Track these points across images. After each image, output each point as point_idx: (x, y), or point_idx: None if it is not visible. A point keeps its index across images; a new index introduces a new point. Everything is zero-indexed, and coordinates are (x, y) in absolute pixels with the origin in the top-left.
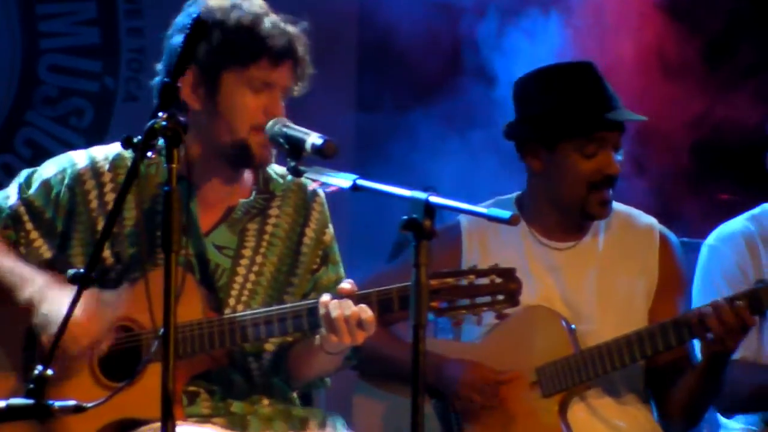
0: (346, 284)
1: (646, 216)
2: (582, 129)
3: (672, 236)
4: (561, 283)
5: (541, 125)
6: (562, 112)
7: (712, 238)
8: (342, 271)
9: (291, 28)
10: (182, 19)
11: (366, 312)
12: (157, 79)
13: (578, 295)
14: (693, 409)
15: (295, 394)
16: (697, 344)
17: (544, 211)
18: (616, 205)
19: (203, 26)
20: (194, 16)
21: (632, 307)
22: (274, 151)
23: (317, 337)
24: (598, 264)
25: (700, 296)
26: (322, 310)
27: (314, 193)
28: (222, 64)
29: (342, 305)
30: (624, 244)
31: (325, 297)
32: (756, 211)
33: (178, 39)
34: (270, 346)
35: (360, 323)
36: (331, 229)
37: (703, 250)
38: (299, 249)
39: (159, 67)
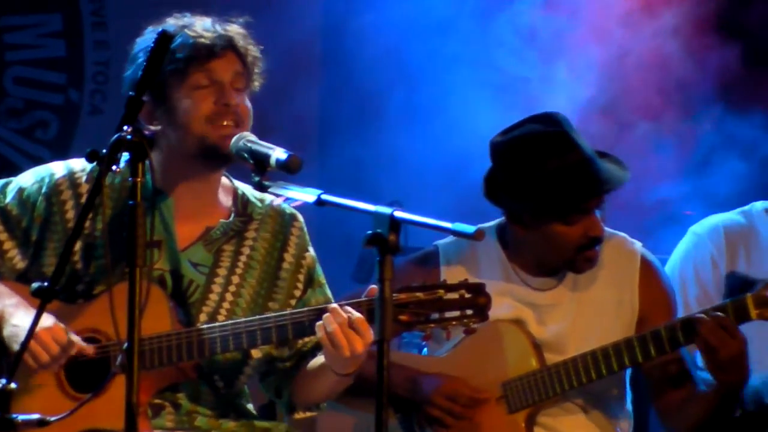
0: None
1: (629, 240)
2: (565, 208)
3: (654, 261)
4: (540, 319)
5: (521, 203)
6: (541, 195)
7: (697, 225)
8: (328, 291)
9: (222, 25)
10: (141, 44)
11: (354, 314)
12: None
13: (555, 329)
14: (703, 426)
15: (251, 407)
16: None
17: (526, 256)
18: (606, 232)
19: (167, 40)
20: (159, 31)
21: (610, 337)
22: (235, 140)
23: (322, 358)
24: (579, 299)
25: (669, 274)
26: (319, 333)
27: (293, 217)
28: (165, 79)
29: (335, 317)
30: (607, 273)
31: (320, 323)
32: (746, 207)
33: (141, 59)
34: (240, 366)
35: (351, 324)
36: (311, 252)
37: (687, 234)
38: (278, 274)
39: (124, 82)
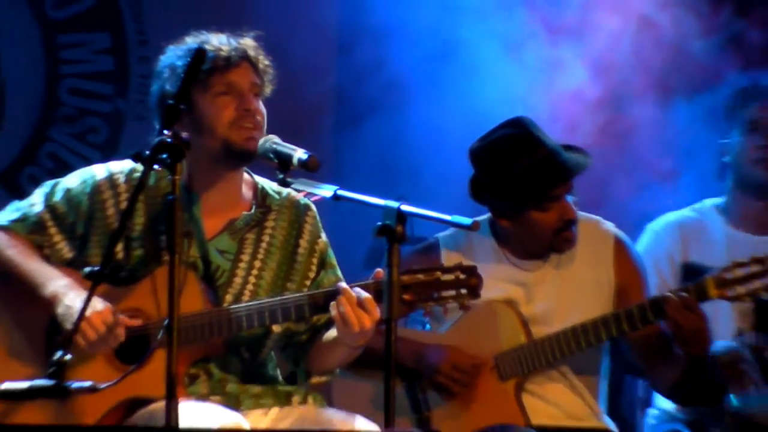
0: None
1: (603, 222)
2: (535, 198)
3: (626, 240)
4: (529, 296)
5: (501, 199)
6: (517, 190)
7: (655, 223)
8: (339, 273)
9: (236, 39)
10: (165, 61)
11: (363, 294)
12: (152, 103)
13: (543, 305)
14: (684, 386)
15: (280, 377)
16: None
17: (515, 244)
18: (581, 215)
19: (203, 55)
20: (192, 47)
21: (591, 311)
22: (261, 134)
23: (335, 332)
24: (562, 276)
25: None
26: (332, 312)
27: (307, 207)
28: (190, 88)
29: (346, 298)
30: (584, 253)
31: (333, 302)
32: (698, 205)
33: (160, 73)
34: (263, 339)
35: (360, 304)
36: (324, 238)
37: (646, 231)
38: (294, 258)
39: (151, 95)
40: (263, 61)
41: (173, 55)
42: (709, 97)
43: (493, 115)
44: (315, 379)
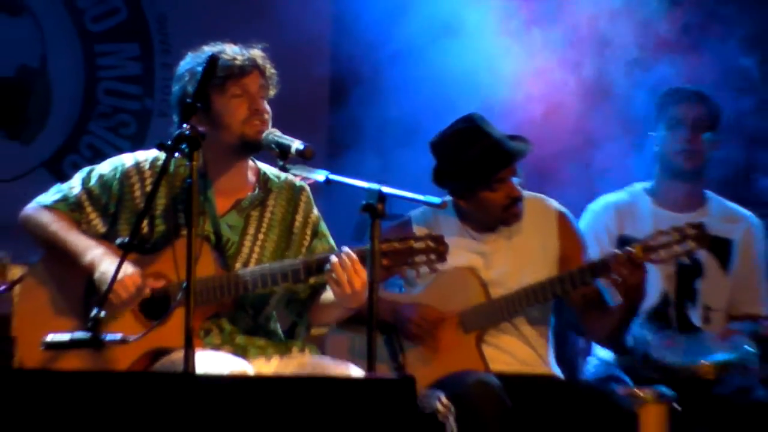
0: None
1: (547, 200)
2: (485, 180)
3: (567, 213)
4: (487, 263)
5: (458, 183)
6: (470, 174)
7: (594, 204)
8: (332, 241)
9: (248, 50)
10: (185, 66)
11: (352, 255)
12: (173, 101)
13: (499, 270)
14: (618, 334)
15: (281, 332)
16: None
17: (473, 220)
18: (527, 194)
19: (216, 61)
20: (208, 55)
21: (539, 274)
22: (268, 129)
23: (332, 294)
24: (513, 246)
25: None
26: (327, 277)
27: (301, 188)
28: (209, 92)
29: (340, 262)
30: (532, 225)
31: (328, 268)
32: (629, 187)
33: (181, 77)
34: (266, 299)
35: (350, 267)
36: (315, 212)
37: (587, 211)
38: (292, 230)
39: (172, 96)
40: (269, 69)
41: (192, 62)
42: None
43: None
44: (314, 331)
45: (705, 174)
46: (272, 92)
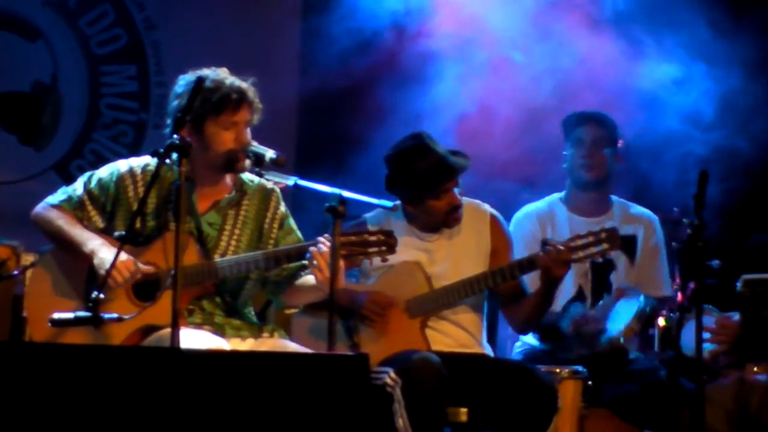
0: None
1: (482, 204)
2: (432, 190)
3: (498, 216)
4: (431, 259)
5: (408, 192)
6: (418, 185)
7: (519, 213)
8: (300, 234)
9: (244, 84)
10: (178, 88)
11: (326, 242)
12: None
13: (441, 265)
14: (533, 320)
15: (253, 315)
16: (524, 280)
17: (419, 222)
18: (465, 200)
19: (202, 83)
20: (197, 77)
21: (474, 268)
22: (248, 162)
23: (311, 280)
24: (453, 244)
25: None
26: (309, 264)
27: (272, 190)
28: (203, 115)
29: (317, 254)
30: (468, 226)
31: (309, 257)
32: (548, 197)
33: (179, 95)
34: (242, 285)
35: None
36: (283, 209)
37: (513, 220)
38: (263, 226)
39: (171, 108)
40: (257, 104)
41: (183, 83)
42: None
43: None
44: (288, 310)
45: (610, 183)
46: (256, 119)
